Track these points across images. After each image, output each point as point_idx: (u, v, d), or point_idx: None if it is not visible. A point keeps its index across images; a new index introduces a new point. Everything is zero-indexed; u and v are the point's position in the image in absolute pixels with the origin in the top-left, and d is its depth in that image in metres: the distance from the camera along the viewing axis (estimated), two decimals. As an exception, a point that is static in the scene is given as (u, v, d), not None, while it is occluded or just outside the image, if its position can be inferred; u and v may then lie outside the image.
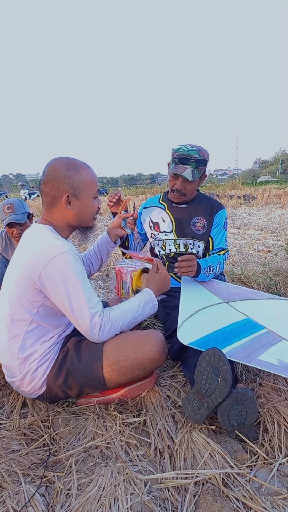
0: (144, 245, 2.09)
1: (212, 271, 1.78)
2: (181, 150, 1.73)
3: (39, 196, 17.93)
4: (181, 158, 1.72)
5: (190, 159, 1.71)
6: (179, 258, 1.63)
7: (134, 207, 1.62)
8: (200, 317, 1.45)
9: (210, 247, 1.90)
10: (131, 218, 1.60)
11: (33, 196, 17.72)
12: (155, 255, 2.02)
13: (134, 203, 1.63)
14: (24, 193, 18.23)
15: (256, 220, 6.98)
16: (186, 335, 1.29)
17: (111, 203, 1.70)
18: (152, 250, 2.09)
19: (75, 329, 1.45)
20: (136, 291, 1.51)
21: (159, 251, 1.98)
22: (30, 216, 2.31)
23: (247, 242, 4.70)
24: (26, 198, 17.18)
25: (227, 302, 1.63)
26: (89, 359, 1.28)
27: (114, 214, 1.77)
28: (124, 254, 1.97)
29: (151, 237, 1.99)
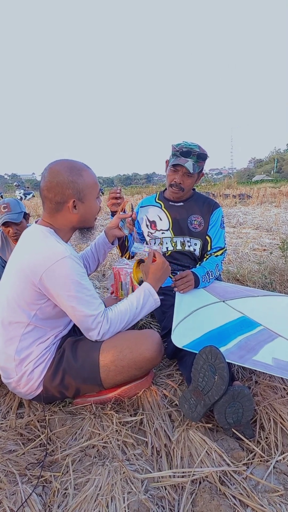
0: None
1: (212, 276, 1.81)
2: (182, 144, 1.77)
3: (34, 196, 17.84)
4: (182, 151, 1.75)
5: (192, 152, 1.73)
6: (173, 279, 1.69)
7: (132, 209, 1.62)
8: (195, 318, 1.45)
9: (209, 246, 1.91)
10: (130, 218, 1.59)
11: (28, 197, 17.63)
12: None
13: (131, 204, 1.63)
14: (20, 193, 18.13)
15: (251, 219, 7.00)
16: (180, 337, 1.29)
17: (116, 201, 1.66)
18: None
19: (71, 330, 1.44)
20: (140, 282, 1.51)
21: None
22: (26, 216, 2.30)
23: (242, 241, 4.71)
24: (21, 198, 17.09)
25: (223, 301, 1.64)
26: (85, 359, 1.28)
27: (113, 213, 1.77)
28: (122, 254, 1.97)
29: (147, 235, 2.00)
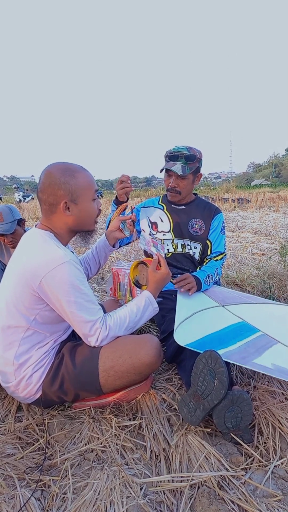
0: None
1: (212, 279, 1.83)
2: (171, 149, 1.83)
3: (33, 198, 17.83)
4: (170, 156, 1.81)
5: (179, 155, 1.78)
6: (174, 282, 1.70)
7: (132, 210, 1.63)
8: (196, 320, 1.45)
9: (209, 251, 1.93)
10: (130, 220, 1.61)
11: (27, 199, 17.64)
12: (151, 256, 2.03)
13: (131, 206, 1.65)
14: (19, 195, 18.14)
15: (250, 223, 7.02)
16: (183, 336, 1.29)
17: (128, 189, 1.69)
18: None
19: (70, 335, 1.44)
20: (135, 282, 1.51)
21: None
22: (21, 222, 2.26)
23: (241, 245, 4.72)
24: (20, 200, 17.09)
25: (223, 306, 1.64)
26: (84, 365, 1.28)
27: (119, 204, 1.79)
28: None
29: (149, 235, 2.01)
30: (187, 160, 1.78)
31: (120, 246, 1.89)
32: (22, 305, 1.21)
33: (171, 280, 1.89)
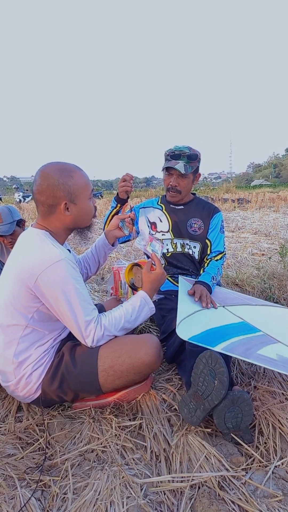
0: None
1: (215, 280, 1.83)
2: (172, 149, 1.83)
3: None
4: (172, 155, 1.81)
5: (181, 154, 1.79)
6: (196, 300, 1.62)
7: (131, 209, 1.64)
8: (198, 317, 1.45)
9: (208, 250, 1.93)
10: (129, 218, 1.61)
11: (27, 199, 17.63)
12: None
13: (130, 205, 1.65)
14: (19, 195, 18.14)
15: (250, 223, 7.02)
16: (185, 331, 1.28)
17: (129, 188, 1.70)
18: None
19: (70, 333, 1.44)
20: (131, 284, 1.50)
21: None
22: (21, 223, 2.25)
23: (241, 245, 4.72)
24: (20, 201, 17.08)
25: (223, 306, 1.64)
26: (84, 364, 1.28)
27: (119, 201, 1.80)
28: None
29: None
30: (189, 159, 1.79)
31: (119, 243, 1.90)
32: (20, 303, 1.22)
33: (169, 279, 1.89)
